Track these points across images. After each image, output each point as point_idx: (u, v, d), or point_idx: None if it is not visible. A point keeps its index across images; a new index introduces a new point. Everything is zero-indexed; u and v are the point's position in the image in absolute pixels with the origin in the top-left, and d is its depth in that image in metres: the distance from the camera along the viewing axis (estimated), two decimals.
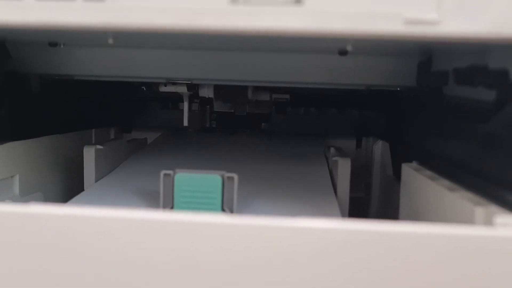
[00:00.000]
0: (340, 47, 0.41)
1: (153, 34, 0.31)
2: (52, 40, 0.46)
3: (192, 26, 0.27)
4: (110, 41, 0.34)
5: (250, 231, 0.27)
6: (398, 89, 0.57)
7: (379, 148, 0.69)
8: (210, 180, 0.42)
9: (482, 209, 0.30)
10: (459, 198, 0.35)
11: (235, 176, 0.42)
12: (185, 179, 0.42)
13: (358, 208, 0.61)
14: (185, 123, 0.66)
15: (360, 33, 0.26)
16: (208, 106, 0.78)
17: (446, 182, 0.39)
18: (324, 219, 0.27)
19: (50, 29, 0.28)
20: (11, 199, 0.49)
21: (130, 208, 0.27)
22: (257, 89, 0.67)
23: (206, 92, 0.63)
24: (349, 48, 0.33)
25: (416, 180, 0.45)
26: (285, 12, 0.26)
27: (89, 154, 0.53)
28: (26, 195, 0.52)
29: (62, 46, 0.50)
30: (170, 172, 0.42)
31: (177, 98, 0.75)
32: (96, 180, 0.54)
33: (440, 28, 0.25)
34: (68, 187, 0.60)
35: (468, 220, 0.31)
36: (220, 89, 0.64)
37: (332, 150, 0.60)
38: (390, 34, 0.26)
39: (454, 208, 0.35)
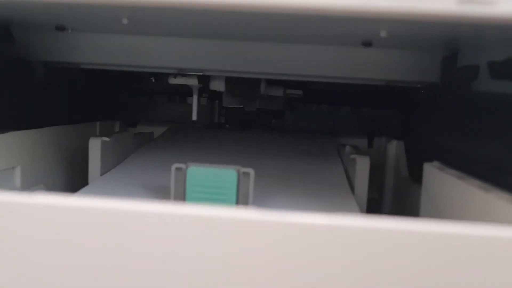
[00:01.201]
0: (369, 34, 0.38)
1: (170, 14, 0.29)
2: (60, 23, 0.43)
3: (216, 1, 0.25)
4: (125, 21, 0.32)
5: (270, 226, 0.24)
6: (419, 85, 0.55)
7: (393, 148, 0.67)
8: (225, 174, 0.40)
9: None
10: (495, 199, 0.32)
11: (251, 171, 0.39)
12: (198, 173, 0.40)
13: (370, 210, 0.59)
14: (194, 117, 0.63)
15: (408, 13, 0.24)
16: (217, 101, 0.75)
17: (477, 182, 0.37)
18: (351, 216, 0.24)
19: (61, 4, 0.26)
20: (11, 191, 0.47)
21: (141, 200, 0.25)
22: (270, 83, 0.64)
23: (217, 85, 0.61)
24: (383, 34, 0.30)
25: (441, 179, 0.43)
26: None
27: (95, 146, 0.50)
28: (27, 188, 0.49)
29: (70, 31, 0.47)
30: (182, 165, 0.40)
31: (184, 92, 0.72)
32: (102, 174, 0.51)
33: (497, 8, 0.23)
34: (71, 180, 0.58)
35: (509, 222, 0.29)
36: (232, 82, 0.61)
37: (348, 148, 0.58)
38: (441, 15, 0.23)
39: (490, 210, 0.33)
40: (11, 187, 0.48)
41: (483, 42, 0.39)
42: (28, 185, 0.49)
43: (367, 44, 0.43)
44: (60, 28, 0.44)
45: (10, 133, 0.47)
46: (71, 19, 0.41)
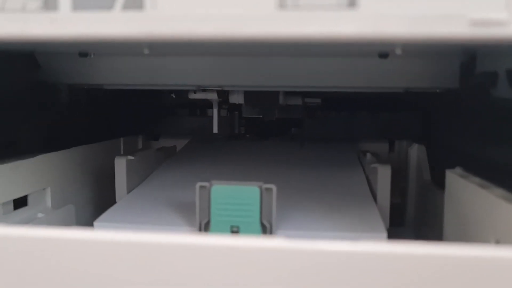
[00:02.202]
0: (384, 50, 0.39)
1: (193, 44, 0.30)
2: (83, 50, 0.45)
3: (236, 35, 0.25)
4: (146, 51, 0.33)
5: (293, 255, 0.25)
6: (438, 91, 0.54)
7: (415, 152, 0.66)
8: (248, 192, 0.41)
9: None
10: None
11: (274, 187, 0.40)
12: (222, 191, 0.41)
13: (393, 215, 0.59)
14: (215, 130, 0.64)
15: (421, 37, 0.24)
16: (236, 112, 0.76)
17: (500, 191, 0.37)
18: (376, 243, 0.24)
19: (87, 41, 0.27)
20: (43, 212, 0.49)
21: (168, 230, 0.26)
22: (288, 93, 0.65)
23: (236, 98, 0.62)
24: (398, 51, 0.31)
25: (464, 188, 0.43)
26: (338, 16, 0.24)
27: (120, 165, 0.52)
28: (58, 208, 0.51)
29: (92, 56, 0.49)
30: (206, 184, 0.41)
31: (205, 104, 0.73)
32: (128, 191, 0.52)
33: (510, 29, 0.23)
34: (99, 198, 0.59)
35: None
36: (251, 95, 0.62)
37: (369, 156, 0.58)
38: (454, 37, 0.24)
39: None
40: (43, 209, 0.49)
41: (500, 49, 0.39)
42: (58, 205, 0.51)
43: (383, 56, 0.43)
44: (83, 55, 0.46)
45: (40, 156, 0.48)
46: (94, 47, 0.42)
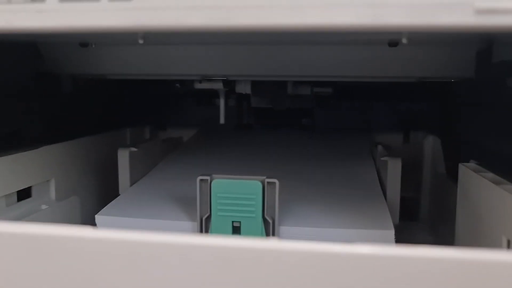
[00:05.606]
0: (392, 39, 0.37)
1: (184, 33, 0.28)
2: (82, 41, 0.44)
3: (227, 25, 0.24)
4: (140, 41, 0.32)
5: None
6: (452, 80, 0.52)
7: (430, 144, 0.64)
8: (250, 186, 0.39)
9: None
10: None
11: (277, 181, 0.39)
12: (223, 185, 0.40)
13: (407, 210, 0.57)
14: (222, 120, 0.63)
15: (423, 26, 0.22)
16: (245, 102, 0.75)
17: None
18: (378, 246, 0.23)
19: (76, 32, 0.26)
20: (47, 204, 0.48)
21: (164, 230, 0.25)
22: (297, 83, 0.63)
23: (243, 88, 0.60)
24: (404, 41, 0.29)
25: (477, 183, 0.41)
26: (334, 4, 0.22)
27: (124, 157, 0.51)
28: (62, 200, 0.50)
29: (93, 46, 0.48)
30: (207, 177, 0.40)
31: (214, 94, 0.72)
32: (132, 183, 0.52)
33: None
34: (104, 190, 0.59)
35: None
36: (258, 85, 0.60)
37: (380, 148, 0.56)
38: (458, 26, 0.22)
39: None
40: (47, 200, 0.49)
41: None
42: (63, 197, 0.51)
43: (393, 44, 0.41)
44: (84, 45, 0.45)
45: (44, 148, 0.48)
46: (92, 37, 0.41)
